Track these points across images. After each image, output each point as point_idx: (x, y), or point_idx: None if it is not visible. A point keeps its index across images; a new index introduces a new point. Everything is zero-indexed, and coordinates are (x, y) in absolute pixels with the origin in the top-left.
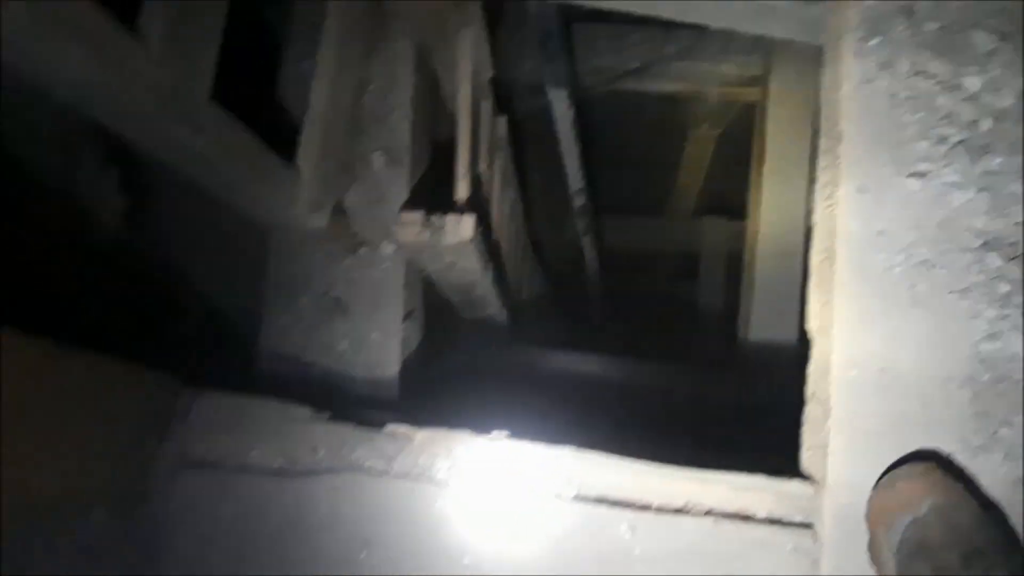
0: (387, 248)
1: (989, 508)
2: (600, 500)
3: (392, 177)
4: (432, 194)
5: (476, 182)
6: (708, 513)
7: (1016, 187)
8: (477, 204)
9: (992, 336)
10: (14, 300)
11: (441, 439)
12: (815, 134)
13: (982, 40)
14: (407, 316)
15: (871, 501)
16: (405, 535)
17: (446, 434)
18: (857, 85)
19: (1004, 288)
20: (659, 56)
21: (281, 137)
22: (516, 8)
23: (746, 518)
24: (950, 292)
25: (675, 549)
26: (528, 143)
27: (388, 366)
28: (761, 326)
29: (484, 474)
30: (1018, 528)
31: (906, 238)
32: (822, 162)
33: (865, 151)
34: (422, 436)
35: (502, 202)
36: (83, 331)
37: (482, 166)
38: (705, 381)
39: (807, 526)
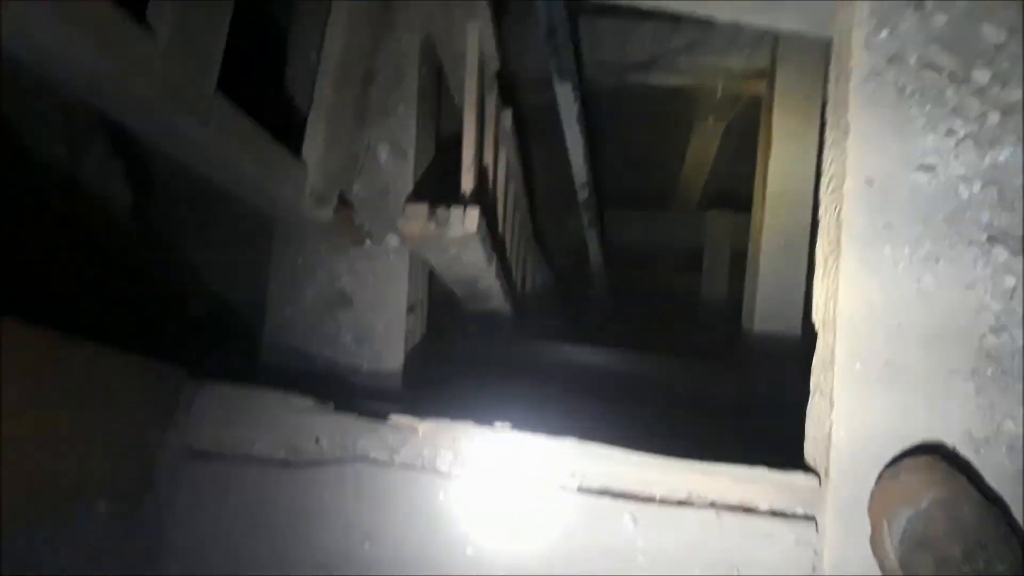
0: (392, 240)
1: (992, 501)
2: (603, 492)
3: (397, 169)
4: (437, 186)
5: (481, 175)
6: (711, 505)
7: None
8: (482, 197)
9: (997, 330)
10: (18, 291)
11: (445, 430)
12: (821, 127)
13: (991, 33)
14: (411, 308)
15: (874, 494)
16: (408, 526)
17: (450, 425)
18: (865, 78)
19: (1010, 282)
20: (665, 49)
21: (287, 129)
22: (522, 1)
23: (749, 510)
24: (956, 285)
25: (678, 541)
26: (533, 136)
27: (392, 358)
28: (765, 319)
29: (487, 466)
30: (1020, 522)
31: (912, 231)
32: (829, 155)
33: (872, 144)
34: (426, 427)
35: (507, 195)
36: (87, 322)
37: (487, 159)
38: (708, 374)
39: (810, 518)
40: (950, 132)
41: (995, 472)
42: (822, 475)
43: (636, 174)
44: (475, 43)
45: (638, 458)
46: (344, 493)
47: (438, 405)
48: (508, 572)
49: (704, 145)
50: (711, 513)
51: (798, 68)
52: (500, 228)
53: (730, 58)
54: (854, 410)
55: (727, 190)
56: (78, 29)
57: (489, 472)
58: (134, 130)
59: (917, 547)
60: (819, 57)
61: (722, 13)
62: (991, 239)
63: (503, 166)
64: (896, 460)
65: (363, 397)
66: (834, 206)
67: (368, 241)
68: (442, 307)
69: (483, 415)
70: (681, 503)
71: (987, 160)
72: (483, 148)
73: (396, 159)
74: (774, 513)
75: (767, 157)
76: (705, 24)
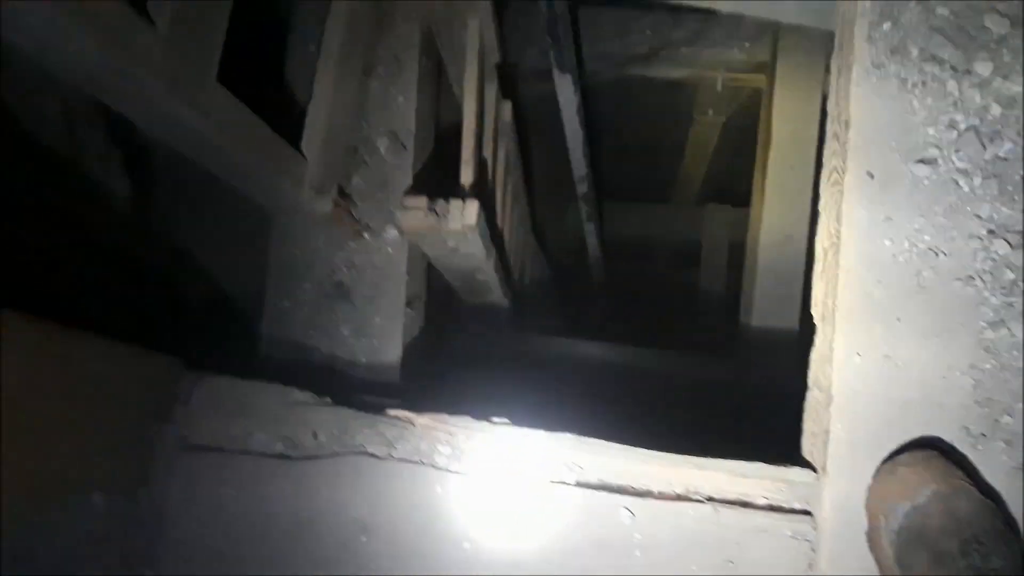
0: (390, 233)
1: (989, 496)
2: (600, 486)
3: (397, 162)
4: (436, 179)
5: (480, 167)
6: (708, 500)
7: None
8: (481, 190)
9: (996, 324)
10: (17, 282)
11: (442, 425)
12: (822, 120)
13: (993, 25)
14: (410, 302)
15: (871, 488)
16: (405, 520)
17: (447, 420)
18: (867, 70)
19: (1009, 276)
20: (666, 42)
21: (287, 120)
22: None
23: (746, 505)
24: (955, 279)
25: (675, 535)
26: (532, 129)
27: (390, 351)
28: (763, 313)
29: (485, 460)
30: (1017, 516)
31: (913, 224)
32: (830, 147)
33: (874, 136)
34: (423, 421)
35: (506, 188)
36: (85, 314)
37: (487, 152)
38: (706, 367)
39: (806, 513)
40: (951, 125)
41: (992, 467)
42: (819, 470)
43: (635, 167)
44: (475, 35)
45: (635, 453)
46: (341, 487)
47: (436, 399)
48: (505, 566)
49: (703, 139)
50: (708, 508)
51: (799, 61)
52: (499, 221)
53: (731, 51)
54: (852, 404)
55: (726, 184)
56: (78, 20)
57: (487, 466)
58: (134, 121)
59: (914, 542)
60: (820, 50)
61: (724, 5)
62: (991, 233)
63: (502, 159)
64: (893, 455)
65: (361, 391)
66: (835, 199)
67: (367, 234)
68: (440, 300)
69: (481, 409)
70: (678, 498)
71: (988, 153)
72: (483, 141)
73: (395, 151)
74: (771, 508)
75: (767, 150)
76: (706, 16)
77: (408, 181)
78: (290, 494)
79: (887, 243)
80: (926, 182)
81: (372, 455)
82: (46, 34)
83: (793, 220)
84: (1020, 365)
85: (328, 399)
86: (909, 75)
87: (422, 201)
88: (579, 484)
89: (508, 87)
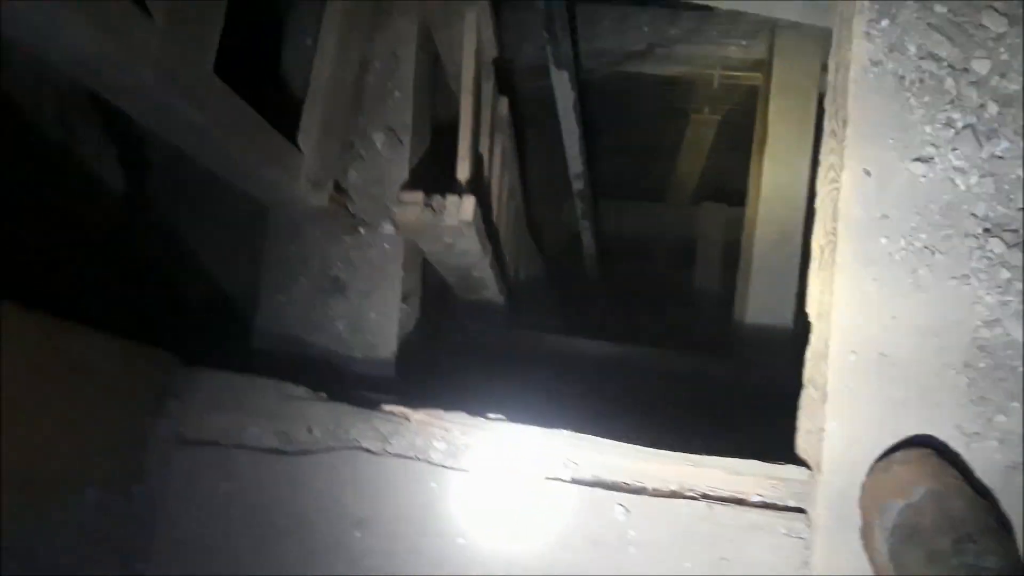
0: (387, 228)
1: (983, 494)
2: (595, 483)
3: (393, 156)
4: (433, 174)
5: (477, 164)
6: (702, 497)
7: (1021, 172)
8: (478, 186)
9: (991, 323)
10: (17, 281)
11: (438, 420)
12: (818, 118)
13: (991, 24)
14: (405, 297)
15: (865, 486)
16: (400, 515)
17: (442, 415)
18: (865, 67)
19: (1005, 275)
20: (663, 38)
21: (283, 114)
22: None
23: (740, 502)
24: (951, 278)
25: (669, 531)
26: (529, 125)
27: (385, 346)
28: (757, 311)
29: (480, 456)
30: (1010, 515)
31: (909, 223)
32: (826, 145)
33: (871, 134)
34: (418, 417)
35: (502, 184)
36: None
37: (483, 148)
38: (701, 365)
39: (801, 510)
40: (948, 123)
41: (985, 466)
42: (814, 467)
43: (631, 165)
44: (473, 31)
45: (630, 450)
46: (336, 482)
47: (431, 394)
48: (500, 562)
49: (699, 137)
50: (702, 505)
51: (796, 59)
52: (495, 218)
53: (728, 48)
54: (847, 402)
55: (721, 183)
56: (77, 12)
57: (482, 462)
58: (131, 113)
59: (908, 539)
60: (817, 48)
61: (723, 3)
62: (987, 231)
63: (499, 155)
64: (888, 453)
65: (356, 386)
66: (831, 197)
67: (362, 229)
68: (436, 297)
69: (476, 405)
70: (673, 495)
71: (984, 152)
72: (479, 137)
73: (392, 146)
74: (765, 505)
75: (763, 148)
76: (703, 13)
77: (404, 176)
78: (284, 488)
79: (883, 241)
80: (923, 180)
81: (367, 450)
82: (45, 26)
83: (788, 219)
84: (1015, 364)
85: (323, 394)
86: (907, 72)
87: (418, 196)
88: (574, 481)
89: (505, 83)
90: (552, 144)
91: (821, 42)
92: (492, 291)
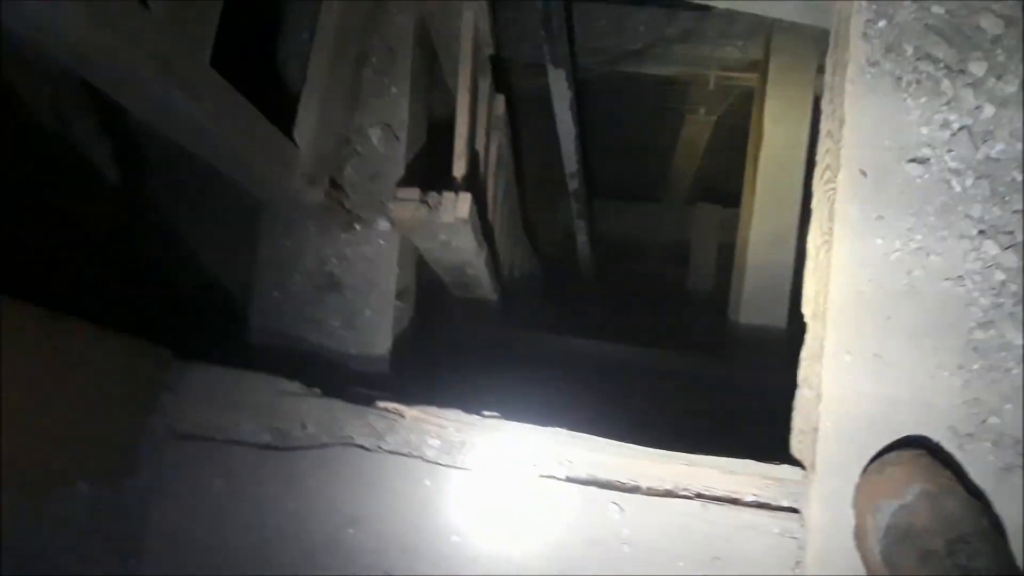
0: (382, 225)
1: (975, 496)
2: (590, 481)
3: (389, 153)
4: (428, 171)
5: (473, 161)
6: (696, 496)
7: (1016, 175)
8: (473, 183)
9: (985, 324)
10: (16, 281)
11: (433, 417)
12: (814, 120)
13: (988, 25)
14: (400, 294)
15: (859, 486)
16: (393, 512)
17: (437, 412)
18: (862, 68)
19: (999, 276)
20: (660, 38)
21: (279, 109)
22: None
23: (734, 502)
24: (945, 279)
25: (663, 530)
26: (524, 124)
27: (380, 343)
28: (752, 312)
29: (475, 453)
30: (1003, 516)
31: (904, 223)
32: (823, 145)
33: (867, 134)
34: (413, 414)
35: (497, 182)
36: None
37: (479, 145)
38: (694, 365)
39: (794, 510)
40: (945, 124)
41: (979, 467)
42: (808, 467)
43: (626, 165)
44: (470, 27)
45: (625, 449)
46: (329, 478)
47: (426, 391)
48: (494, 560)
49: (695, 137)
50: (696, 504)
51: (792, 60)
52: (490, 216)
53: (724, 49)
54: (841, 403)
55: (716, 183)
56: (74, 2)
57: (476, 460)
58: (126, 105)
59: (901, 539)
60: (813, 50)
61: (720, 2)
62: (982, 233)
63: (495, 153)
64: (881, 453)
65: (350, 382)
66: (827, 197)
67: (358, 225)
68: (430, 294)
69: (471, 403)
70: (667, 494)
71: (980, 153)
72: (476, 134)
73: (388, 142)
74: (759, 505)
75: (758, 149)
76: (700, 13)
77: (400, 172)
78: (278, 485)
79: (879, 241)
80: (918, 181)
81: (361, 447)
82: (42, 16)
83: (783, 219)
84: (1009, 366)
85: (317, 390)
86: (904, 73)
87: (414, 193)
88: (569, 479)
89: (501, 81)
90: (548, 143)
91: (817, 44)
92: (486, 289)
